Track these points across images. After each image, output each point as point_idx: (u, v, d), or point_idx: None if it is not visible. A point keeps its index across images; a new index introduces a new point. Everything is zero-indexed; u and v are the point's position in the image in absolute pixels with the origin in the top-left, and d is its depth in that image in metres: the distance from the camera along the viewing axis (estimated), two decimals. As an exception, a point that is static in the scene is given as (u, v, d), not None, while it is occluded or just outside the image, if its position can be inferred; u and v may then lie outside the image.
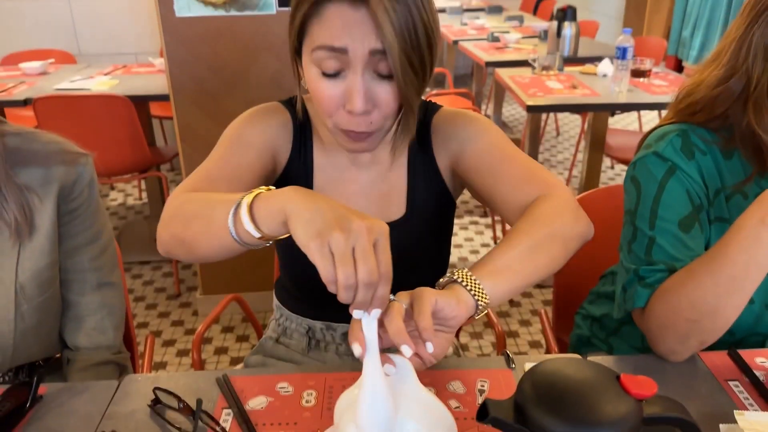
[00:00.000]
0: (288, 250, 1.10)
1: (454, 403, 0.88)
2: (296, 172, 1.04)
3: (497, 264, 0.78)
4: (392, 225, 1.04)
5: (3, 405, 0.84)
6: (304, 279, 1.10)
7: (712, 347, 0.94)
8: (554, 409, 0.52)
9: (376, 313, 0.66)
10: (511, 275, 0.78)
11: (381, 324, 0.67)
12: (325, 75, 0.84)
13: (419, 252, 1.06)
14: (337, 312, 1.13)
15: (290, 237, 1.07)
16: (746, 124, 0.92)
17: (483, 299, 0.74)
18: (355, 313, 0.65)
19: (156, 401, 0.86)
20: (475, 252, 3.06)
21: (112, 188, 3.75)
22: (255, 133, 0.99)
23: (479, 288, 0.74)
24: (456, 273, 0.76)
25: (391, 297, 0.69)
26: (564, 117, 5.06)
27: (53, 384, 0.93)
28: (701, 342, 0.92)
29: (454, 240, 3.20)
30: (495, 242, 3.15)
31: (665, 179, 0.97)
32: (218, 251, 0.76)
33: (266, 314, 2.30)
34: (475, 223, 3.36)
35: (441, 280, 0.78)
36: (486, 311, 0.77)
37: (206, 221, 0.75)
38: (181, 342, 2.40)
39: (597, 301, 1.29)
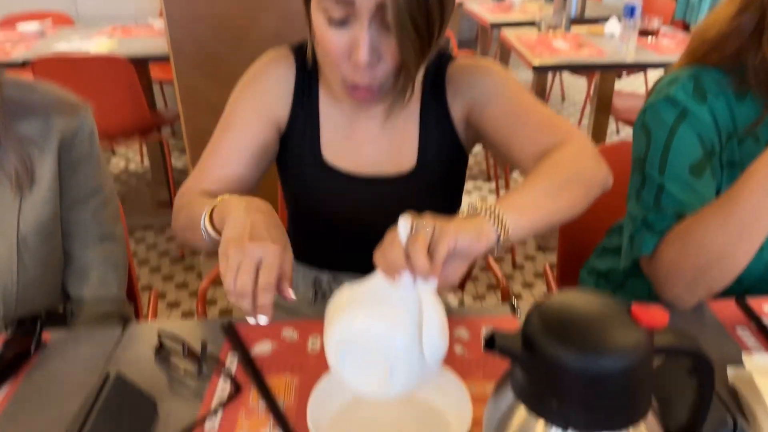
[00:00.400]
0: (295, 201, 1.09)
1: (458, 349, 0.87)
2: (302, 126, 1.02)
3: (521, 201, 0.76)
4: (402, 177, 1.04)
5: (7, 352, 0.84)
6: (311, 229, 1.09)
7: (720, 296, 0.93)
8: (563, 339, 0.50)
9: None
10: (533, 213, 0.77)
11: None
12: (332, 24, 0.82)
13: (429, 206, 1.04)
14: (344, 263, 1.13)
15: (303, 195, 1.06)
16: (760, 60, 0.89)
17: (504, 233, 0.72)
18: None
19: (160, 347, 0.86)
20: (478, 216, 3.04)
21: (114, 154, 3.73)
22: (249, 108, 1.00)
23: (502, 222, 0.72)
24: (479, 206, 0.74)
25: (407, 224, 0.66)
26: (569, 81, 5.00)
27: (57, 332, 0.93)
28: (709, 289, 0.91)
29: (458, 205, 3.18)
30: (499, 207, 3.12)
31: (676, 124, 0.94)
32: (212, 248, 0.85)
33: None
34: (479, 188, 3.34)
35: (464, 208, 0.75)
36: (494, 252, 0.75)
37: (193, 232, 0.88)
38: (185, 304, 2.41)
39: (603, 256, 1.28)
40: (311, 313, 1.14)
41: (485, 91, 0.97)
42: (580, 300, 0.54)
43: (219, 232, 0.81)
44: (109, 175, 1.16)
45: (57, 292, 1.13)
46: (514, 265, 2.66)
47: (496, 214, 0.72)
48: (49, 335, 0.91)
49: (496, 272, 1.32)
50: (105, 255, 1.12)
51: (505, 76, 0.99)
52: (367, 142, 1.02)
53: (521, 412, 0.54)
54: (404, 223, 0.64)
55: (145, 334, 0.91)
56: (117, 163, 3.60)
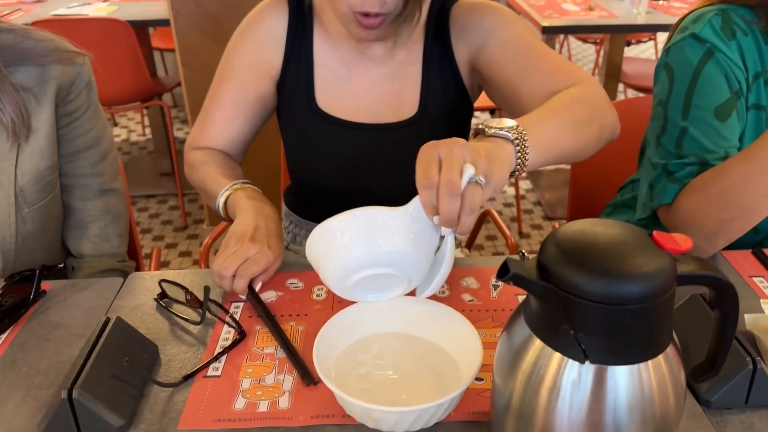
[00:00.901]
0: (293, 150, 1.06)
1: (467, 297, 0.85)
2: (294, 72, 1.00)
3: (545, 133, 0.74)
4: (403, 124, 1.01)
5: (6, 299, 0.82)
6: (311, 180, 1.07)
7: (734, 245, 0.91)
8: (581, 264, 0.48)
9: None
10: (552, 148, 0.75)
11: None
12: None
13: None
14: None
15: (300, 143, 1.03)
16: None
17: (523, 163, 0.71)
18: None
19: (162, 295, 0.84)
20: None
21: (116, 125, 3.69)
22: (243, 61, 1.01)
23: (525, 152, 0.70)
24: (512, 131, 0.70)
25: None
26: (577, 50, 4.92)
27: (57, 281, 0.91)
28: (728, 240, 0.88)
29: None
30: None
31: (702, 63, 0.90)
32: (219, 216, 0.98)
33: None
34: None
35: (493, 124, 0.71)
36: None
37: (208, 197, 1.00)
38: (189, 271, 2.39)
39: (615, 212, 1.25)
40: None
41: (491, 31, 0.93)
42: (599, 226, 0.52)
43: (230, 217, 0.93)
44: (109, 128, 1.13)
45: (57, 247, 1.11)
46: (521, 233, 2.64)
47: (524, 145, 0.70)
48: (48, 285, 0.89)
49: (504, 230, 1.30)
50: (105, 208, 1.10)
51: (513, 16, 0.95)
52: (365, 88, 0.99)
53: (536, 346, 0.52)
54: (469, 172, 0.62)
55: (147, 283, 0.89)
56: (119, 134, 3.57)
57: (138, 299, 0.85)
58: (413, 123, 0.99)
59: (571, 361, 0.49)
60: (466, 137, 1.08)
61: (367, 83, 0.98)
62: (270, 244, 0.83)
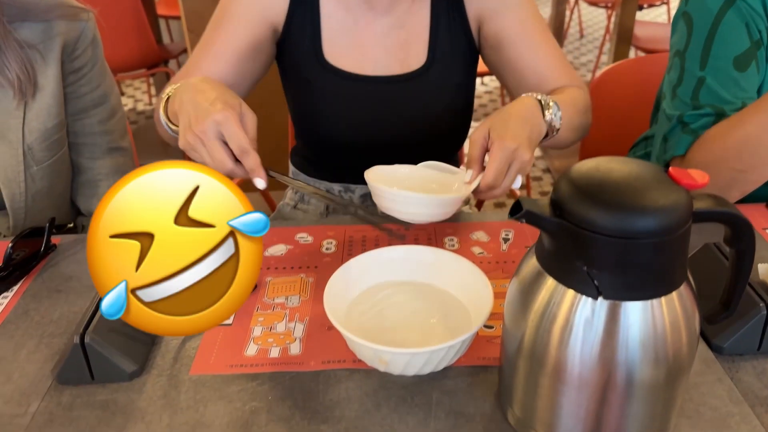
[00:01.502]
0: (299, 107, 1.04)
1: (477, 250, 0.85)
2: (300, 24, 0.97)
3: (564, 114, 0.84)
4: (411, 75, 0.99)
5: (17, 253, 0.83)
6: (318, 138, 1.05)
7: (747, 199, 0.89)
8: (595, 199, 0.47)
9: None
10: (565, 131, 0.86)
11: None
12: None
13: (439, 106, 1.00)
14: (355, 173, 1.09)
15: (306, 99, 1.02)
16: None
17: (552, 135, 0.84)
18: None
19: (172, 247, 0.84)
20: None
21: (122, 94, 3.68)
22: (242, 5, 0.96)
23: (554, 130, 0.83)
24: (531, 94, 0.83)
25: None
26: (588, 17, 4.83)
27: (67, 236, 0.91)
28: (742, 193, 0.87)
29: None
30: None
31: (722, 11, 0.88)
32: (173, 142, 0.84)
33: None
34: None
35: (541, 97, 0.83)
36: None
37: (160, 127, 0.87)
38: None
39: (625, 170, 1.23)
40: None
41: (510, 2, 0.95)
42: (614, 163, 0.51)
43: (173, 122, 0.82)
44: (115, 86, 1.12)
45: (66, 207, 1.11)
46: (529, 193, 2.62)
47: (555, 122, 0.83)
48: (59, 240, 0.89)
49: (514, 192, 1.28)
50: (114, 166, 1.09)
51: None
52: (372, 39, 0.97)
53: (548, 285, 0.51)
54: (518, 182, 0.78)
55: (156, 237, 0.89)
56: (125, 104, 3.56)
57: (148, 252, 0.85)
58: (421, 74, 0.97)
59: (584, 298, 0.49)
60: (473, 87, 1.07)
61: (373, 33, 0.97)
62: (218, 107, 0.69)
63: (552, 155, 2.92)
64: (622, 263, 0.48)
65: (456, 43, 0.97)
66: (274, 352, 0.67)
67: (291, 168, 1.19)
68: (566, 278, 0.50)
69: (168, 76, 2.76)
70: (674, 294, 0.50)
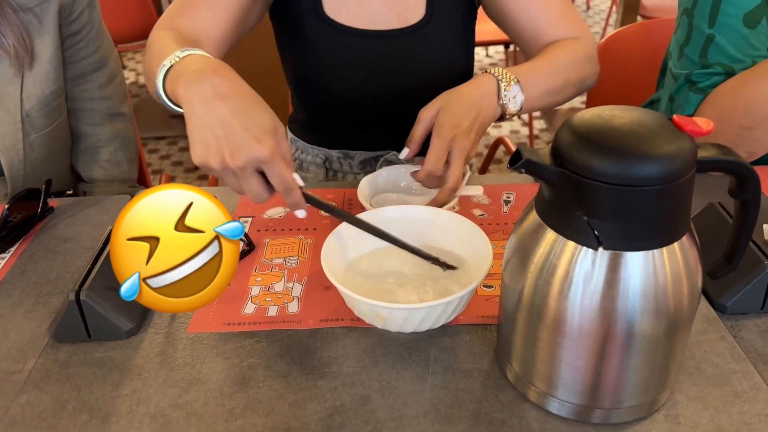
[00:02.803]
0: (296, 65, 1.02)
1: (478, 212, 0.84)
2: None
3: (533, 87, 0.84)
4: (410, 29, 0.97)
5: (14, 215, 0.82)
6: (316, 101, 1.04)
7: (754, 163, 0.87)
8: (596, 146, 0.46)
9: None
10: (536, 101, 0.87)
11: None
12: None
13: (439, 61, 0.98)
14: (354, 139, 1.08)
15: (304, 55, 1.00)
16: None
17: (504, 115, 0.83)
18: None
19: (169, 209, 0.83)
20: (497, 126, 2.96)
21: (124, 67, 3.65)
22: None
23: (507, 109, 0.82)
24: (504, 80, 0.81)
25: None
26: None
27: (65, 198, 0.90)
28: (750, 153, 0.85)
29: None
30: (519, 117, 3.03)
31: None
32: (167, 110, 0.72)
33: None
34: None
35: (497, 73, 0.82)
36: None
37: (150, 86, 0.72)
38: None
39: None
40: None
41: None
42: (617, 110, 0.49)
43: (174, 103, 0.67)
44: (114, 50, 1.10)
45: (66, 174, 1.10)
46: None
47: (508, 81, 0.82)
48: (56, 202, 0.89)
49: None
50: (114, 132, 1.08)
51: None
52: None
53: (548, 238, 0.50)
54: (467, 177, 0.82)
55: (154, 199, 0.88)
56: (127, 77, 3.53)
57: (145, 215, 0.85)
58: (420, 28, 0.95)
59: (584, 249, 0.48)
60: (473, 41, 1.05)
61: None
62: (255, 130, 0.59)
63: (556, 127, 2.89)
64: (623, 212, 0.46)
65: None
66: (272, 311, 0.67)
67: (289, 134, 1.17)
68: (566, 229, 0.49)
69: (169, 48, 2.73)
70: (676, 245, 0.48)
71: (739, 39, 0.85)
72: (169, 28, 0.81)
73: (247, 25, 0.94)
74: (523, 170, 0.48)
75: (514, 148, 1.31)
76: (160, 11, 2.84)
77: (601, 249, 0.47)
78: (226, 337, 0.64)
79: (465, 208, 0.85)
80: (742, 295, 0.64)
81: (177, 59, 0.66)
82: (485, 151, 2.73)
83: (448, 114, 0.76)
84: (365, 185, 0.83)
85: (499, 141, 1.36)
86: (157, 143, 2.87)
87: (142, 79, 3.50)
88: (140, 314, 0.66)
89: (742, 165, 0.48)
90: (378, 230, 0.66)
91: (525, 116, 3.01)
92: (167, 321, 0.66)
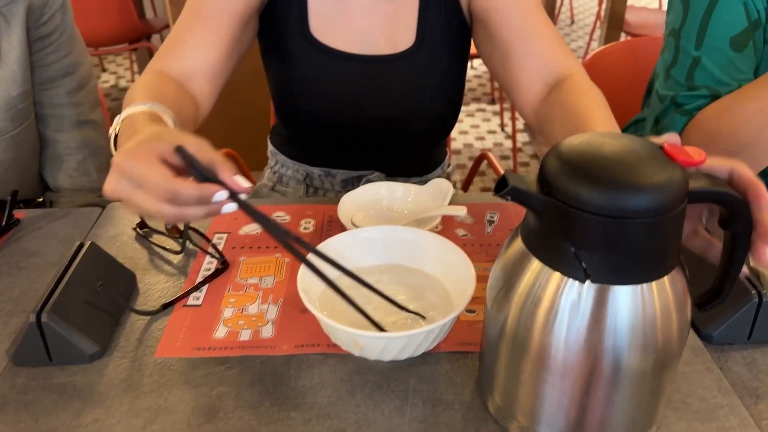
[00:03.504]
0: (280, 84, 0.99)
1: (461, 232, 0.82)
2: None
3: None
4: (399, 56, 0.93)
5: (-23, 227, 0.79)
6: (299, 120, 1.01)
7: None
8: (585, 175, 0.44)
9: None
10: None
11: None
12: None
13: (428, 90, 0.95)
14: (337, 158, 1.05)
15: (288, 75, 0.97)
16: None
17: None
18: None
19: (142, 224, 0.80)
20: (481, 138, 2.96)
21: (104, 70, 3.59)
22: None
23: None
24: None
25: None
26: (579, 1, 4.79)
27: (32, 210, 0.87)
28: None
29: (460, 126, 3.09)
30: (502, 129, 3.04)
31: None
32: None
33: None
34: (482, 110, 3.23)
35: None
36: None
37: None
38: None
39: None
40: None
41: None
42: (606, 137, 0.47)
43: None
44: (87, 56, 1.07)
45: (34, 181, 1.06)
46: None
47: None
48: (23, 214, 0.85)
49: (500, 172, 1.25)
50: (83, 140, 1.05)
51: None
52: (360, 15, 0.91)
53: (534, 267, 0.48)
54: None
55: (126, 213, 0.85)
56: (107, 80, 3.47)
57: (116, 229, 0.82)
58: (410, 54, 0.92)
59: (570, 281, 0.46)
60: (465, 68, 1.01)
61: (360, 5, 0.91)
62: (140, 147, 0.54)
63: (539, 141, 2.90)
64: (611, 244, 0.45)
65: (447, 23, 0.92)
66: (245, 335, 0.64)
67: (270, 147, 1.14)
68: (552, 260, 0.47)
69: (150, 53, 2.69)
70: (666, 279, 0.47)
71: (726, 62, 0.84)
72: (156, 71, 0.80)
73: (242, 50, 0.90)
74: (509, 198, 0.46)
75: (497, 164, 1.30)
76: (142, 14, 2.80)
77: (588, 282, 0.46)
78: (196, 363, 0.61)
79: (448, 227, 0.83)
80: (729, 325, 0.63)
81: (118, 125, 0.66)
82: (470, 164, 2.72)
83: None
84: (347, 202, 0.80)
85: (483, 156, 1.34)
86: (137, 148, 2.81)
87: (122, 82, 3.45)
88: (106, 336, 0.63)
89: (733, 197, 0.47)
90: (334, 262, 0.58)
91: (509, 129, 3.01)
92: (134, 344, 0.63)
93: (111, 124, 0.69)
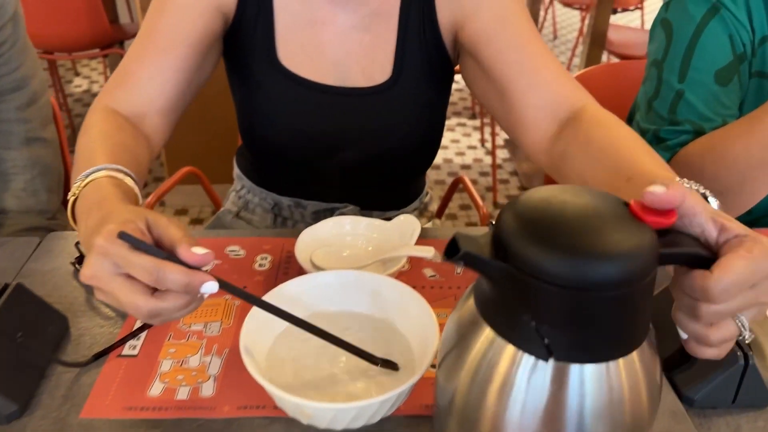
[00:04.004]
0: (248, 111, 0.91)
1: (429, 272, 0.77)
2: (252, 16, 0.83)
3: None
4: (374, 90, 0.86)
5: None
6: (266, 152, 0.94)
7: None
8: (544, 240, 0.39)
9: None
10: None
11: None
12: None
13: (405, 124, 0.89)
14: (308, 188, 0.99)
15: (254, 104, 0.90)
16: None
17: None
18: None
19: (80, 258, 0.74)
20: (461, 154, 2.93)
21: (77, 74, 3.50)
22: None
23: None
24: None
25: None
26: (562, 17, 4.80)
27: (-36, 240, 0.80)
28: None
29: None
30: (482, 144, 3.01)
31: (705, 20, 0.80)
32: None
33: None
34: (463, 125, 3.20)
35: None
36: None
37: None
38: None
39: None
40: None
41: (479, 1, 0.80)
42: (568, 194, 0.43)
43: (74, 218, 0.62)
44: (40, 69, 1.01)
45: (-19, 201, 1.00)
46: (496, 204, 2.56)
47: None
48: (-46, 244, 0.79)
49: (476, 200, 1.21)
50: (32, 158, 0.98)
51: None
52: (331, 37, 0.85)
53: (486, 335, 0.43)
54: None
55: (67, 244, 0.79)
56: (80, 84, 3.39)
57: (54, 262, 0.75)
58: (386, 89, 0.86)
59: (526, 355, 0.41)
60: (445, 104, 0.95)
61: (333, 32, 0.84)
62: (97, 239, 0.49)
63: (520, 157, 2.87)
64: (578, 318, 0.40)
65: (426, 56, 0.85)
66: (183, 393, 0.58)
67: (236, 170, 1.07)
68: (508, 332, 0.42)
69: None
70: (635, 353, 0.42)
71: (710, 97, 0.81)
72: (109, 110, 0.74)
73: (204, 77, 0.84)
74: (462, 264, 0.41)
75: (473, 189, 1.25)
76: (115, 19, 2.73)
77: (551, 360, 0.41)
78: (125, 425, 0.55)
79: (415, 267, 0.78)
80: (712, 388, 0.59)
81: (78, 190, 0.59)
82: (449, 180, 2.67)
83: None
84: (305, 239, 0.75)
85: (458, 181, 1.30)
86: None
87: (95, 87, 3.36)
88: (27, 392, 0.57)
89: (702, 256, 0.43)
90: (298, 320, 0.55)
91: (488, 144, 2.98)
92: (59, 401, 0.57)
93: (77, 133, 0.62)
